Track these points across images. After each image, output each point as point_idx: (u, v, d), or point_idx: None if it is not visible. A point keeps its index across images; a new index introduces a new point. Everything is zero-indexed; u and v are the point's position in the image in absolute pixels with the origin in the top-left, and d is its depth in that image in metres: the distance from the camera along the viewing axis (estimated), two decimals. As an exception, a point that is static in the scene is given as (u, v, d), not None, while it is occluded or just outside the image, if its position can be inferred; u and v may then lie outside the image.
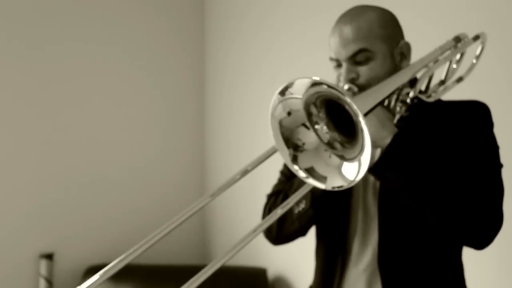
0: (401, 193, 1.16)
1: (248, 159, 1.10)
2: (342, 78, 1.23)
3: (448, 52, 1.34)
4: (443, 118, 1.26)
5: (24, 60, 2.79)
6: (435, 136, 1.23)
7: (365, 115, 0.99)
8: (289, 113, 1.01)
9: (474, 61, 1.45)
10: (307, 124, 1.03)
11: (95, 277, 0.84)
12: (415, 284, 1.26)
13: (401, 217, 1.25)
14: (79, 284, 0.84)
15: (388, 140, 1.13)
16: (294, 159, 1.03)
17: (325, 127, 1.04)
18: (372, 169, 1.14)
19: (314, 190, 1.24)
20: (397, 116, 1.19)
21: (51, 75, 2.85)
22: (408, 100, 1.20)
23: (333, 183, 1.00)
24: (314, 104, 1.01)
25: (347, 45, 1.22)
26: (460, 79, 1.42)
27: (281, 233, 1.37)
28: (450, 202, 1.13)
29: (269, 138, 1.03)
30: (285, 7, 2.73)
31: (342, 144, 1.03)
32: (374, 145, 1.16)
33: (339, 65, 1.25)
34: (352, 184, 0.98)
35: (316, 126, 1.03)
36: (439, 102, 1.32)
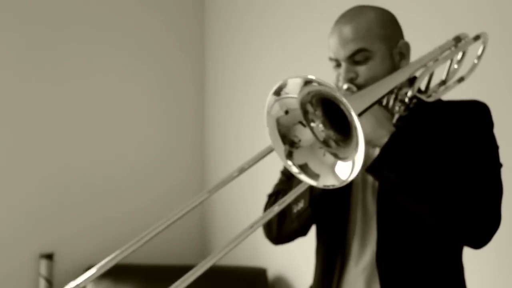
0: (398, 192, 1.16)
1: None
2: (341, 78, 1.23)
3: (447, 52, 1.33)
4: (442, 118, 1.26)
5: (24, 60, 2.79)
6: (434, 135, 1.23)
7: (361, 113, 1.00)
8: (286, 112, 1.03)
9: (476, 61, 1.45)
10: (304, 122, 1.04)
11: (92, 270, 0.85)
12: (414, 284, 1.26)
13: (400, 217, 1.24)
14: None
15: (385, 139, 1.13)
16: (289, 155, 1.04)
17: (321, 125, 1.05)
18: (369, 168, 1.14)
19: (313, 189, 1.24)
20: (396, 116, 1.20)
21: (51, 75, 2.85)
22: (407, 100, 1.20)
23: (325, 181, 1.01)
24: (310, 102, 1.02)
25: (346, 45, 1.22)
26: (461, 79, 1.42)
27: (281, 232, 1.37)
28: (448, 201, 1.13)
29: (269, 137, 1.04)
30: (285, 7, 2.73)
31: (337, 142, 1.04)
32: (371, 144, 1.17)
33: (338, 65, 1.26)
34: (344, 184, 0.99)
35: (312, 124, 1.04)
36: (438, 101, 1.32)
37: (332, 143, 1.04)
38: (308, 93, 1.00)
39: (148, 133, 3.13)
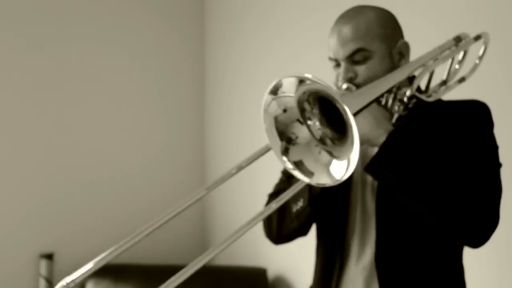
0: (397, 191, 1.16)
1: (248, 159, 1.10)
2: (340, 78, 1.24)
3: (447, 52, 1.33)
4: (442, 117, 1.26)
5: (24, 61, 2.79)
6: (433, 135, 1.23)
7: (358, 112, 1.00)
8: (284, 110, 1.03)
9: (477, 61, 1.45)
10: (301, 119, 1.04)
11: (89, 264, 0.84)
12: (413, 284, 1.26)
13: (399, 217, 1.24)
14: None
15: (383, 138, 1.13)
16: (285, 151, 1.05)
17: (317, 123, 1.05)
18: (367, 167, 1.14)
19: (312, 188, 1.24)
20: (395, 115, 1.20)
21: (51, 75, 2.85)
22: (406, 99, 1.20)
23: (319, 179, 1.02)
24: (307, 101, 1.03)
25: (345, 44, 1.22)
26: (462, 79, 1.42)
27: (281, 232, 1.37)
28: (446, 201, 1.13)
29: (265, 134, 1.04)
30: (285, 7, 2.73)
31: (333, 140, 1.04)
32: (370, 144, 1.17)
33: (338, 64, 1.26)
34: (338, 183, 0.99)
35: (309, 122, 1.05)
36: (438, 101, 1.32)
37: (328, 141, 1.04)
38: (304, 92, 1.00)
39: (148, 133, 3.13)
